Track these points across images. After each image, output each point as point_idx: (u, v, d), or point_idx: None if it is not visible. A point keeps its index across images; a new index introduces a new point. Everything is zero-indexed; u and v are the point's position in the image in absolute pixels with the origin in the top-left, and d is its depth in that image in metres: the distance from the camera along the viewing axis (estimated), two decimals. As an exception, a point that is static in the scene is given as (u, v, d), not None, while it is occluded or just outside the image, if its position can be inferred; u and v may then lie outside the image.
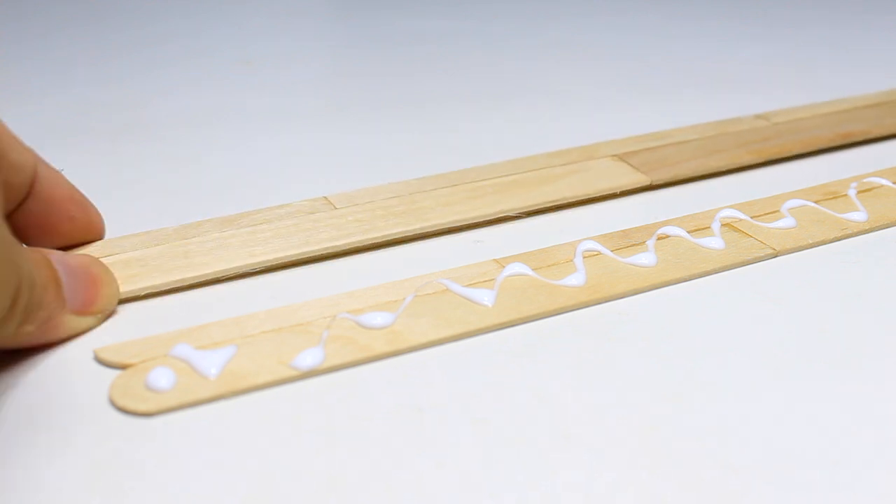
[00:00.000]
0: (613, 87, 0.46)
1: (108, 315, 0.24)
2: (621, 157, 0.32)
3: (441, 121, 0.40)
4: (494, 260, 0.26)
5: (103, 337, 0.23)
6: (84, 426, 0.19)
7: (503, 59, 0.52)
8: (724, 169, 0.33)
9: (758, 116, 0.38)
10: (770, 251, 0.27)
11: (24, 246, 0.21)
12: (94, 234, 0.26)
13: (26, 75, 0.48)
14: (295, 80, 0.48)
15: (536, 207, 0.29)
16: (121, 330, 0.23)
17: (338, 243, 0.27)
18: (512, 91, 0.45)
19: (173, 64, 0.50)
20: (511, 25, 0.60)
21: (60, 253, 0.23)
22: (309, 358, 0.21)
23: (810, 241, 0.27)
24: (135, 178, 0.34)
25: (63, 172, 0.25)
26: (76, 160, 0.34)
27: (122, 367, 0.21)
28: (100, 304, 0.23)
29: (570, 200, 0.30)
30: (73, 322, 0.22)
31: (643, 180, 0.31)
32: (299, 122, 0.41)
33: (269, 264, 0.26)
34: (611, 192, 0.31)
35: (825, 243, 0.28)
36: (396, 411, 0.20)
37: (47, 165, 0.25)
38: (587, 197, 0.30)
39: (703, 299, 0.25)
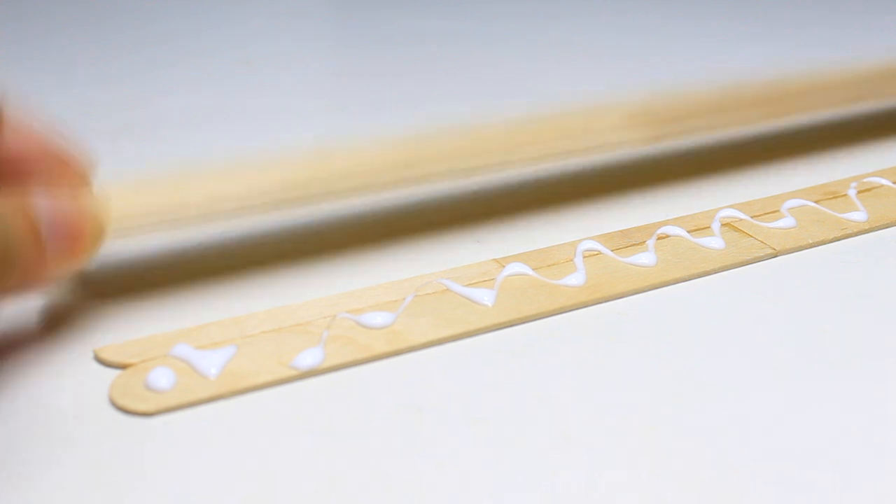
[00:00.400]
0: (614, 87, 0.46)
1: (94, 252, 0.22)
2: (627, 114, 0.31)
3: (441, 121, 0.40)
4: (494, 260, 0.26)
5: (103, 337, 0.23)
6: (84, 426, 0.19)
7: (503, 59, 0.52)
8: (731, 125, 0.32)
9: (768, 80, 0.35)
10: (770, 251, 0.27)
11: None
12: (76, 170, 0.23)
13: (26, 75, 0.48)
14: (295, 80, 0.48)
15: (544, 158, 0.29)
16: (121, 330, 0.23)
17: (349, 184, 0.25)
18: (512, 91, 0.45)
19: (173, 64, 0.50)
20: (511, 25, 0.60)
21: (38, 189, 0.21)
22: (309, 358, 0.21)
23: (810, 241, 0.27)
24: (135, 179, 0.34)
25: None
26: (76, 160, 0.34)
27: (122, 366, 0.21)
28: (85, 243, 0.21)
29: (579, 152, 0.30)
30: (54, 269, 0.20)
31: (651, 134, 0.30)
32: (299, 122, 0.41)
33: (276, 195, 0.25)
34: (617, 145, 0.30)
35: (825, 243, 0.28)
36: (396, 411, 0.20)
37: (18, 105, 0.22)
38: (595, 149, 0.30)
39: (703, 299, 0.25)
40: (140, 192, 0.24)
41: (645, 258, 0.26)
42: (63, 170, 0.23)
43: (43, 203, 0.20)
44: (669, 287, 0.25)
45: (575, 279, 0.25)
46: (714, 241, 0.27)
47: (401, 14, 0.64)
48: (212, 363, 0.21)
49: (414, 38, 0.56)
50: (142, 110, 0.42)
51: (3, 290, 0.19)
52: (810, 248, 0.27)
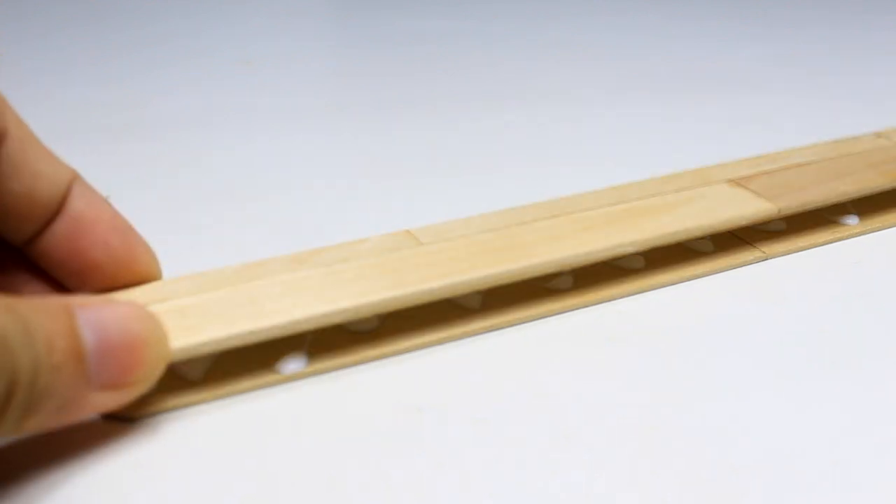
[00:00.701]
0: (614, 88, 0.46)
1: (152, 381, 0.18)
2: (738, 182, 0.29)
3: (441, 121, 0.40)
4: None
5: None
6: (83, 426, 0.19)
7: (503, 59, 0.52)
8: (854, 194, 0.28)
9: (878, 135, 0.34)
10: (767, 252, 0.27)
11: (42, 302, 0.17)
12: (140, 271, 0.21)
13: (26, 75, 0.48)
14: (295, 80, 0.48)
15: (656, 242, 0.25)
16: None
17: (434, 286, 0.22)
18: (512, 92, 0.45)
19: (173, 64, 0.50)
20: (511, 25, 0.60)
21: (93, 304, 0.17)
22: (304, 359, 0.21)
23: (807, 243, 0.27)
24: (135, 179, 0.34)
25: (109, 199, 0.21)
26: (76, 161, 0.34)
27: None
28: (140, 372, 0.18)
29: (693, 233, 0.25)
30: (100, 399, 0.17)
31: (770, 209, 0.27)
32: (299, 123, 0.41)
33: (355, 312, 0.21)
34: (737, 223, 0.26)
35: (822, 244, 0.28)
36: (396, 411, 0.20)
37: (87, 186, 0.20)
38: (711, 229, 0.26)
39: (702, 299, 0.25)
40: (211, 300, 0.21)
41: (644, 258, 0.26)
42: (127, 273, 0.20)
43: (94, 320, 0.17)
44: (669, 287, 0.25)
45: (573, 279, 0.25)
46: (711, 242, 0.27)
47: (401, 14, 0.64)
48: (206, 364, 0.21)
49: (414, 38, 0.56)
50: (142, 110, 0.42)
51: (31, 424, 0.16)
52: (808, 248, 0.27)
